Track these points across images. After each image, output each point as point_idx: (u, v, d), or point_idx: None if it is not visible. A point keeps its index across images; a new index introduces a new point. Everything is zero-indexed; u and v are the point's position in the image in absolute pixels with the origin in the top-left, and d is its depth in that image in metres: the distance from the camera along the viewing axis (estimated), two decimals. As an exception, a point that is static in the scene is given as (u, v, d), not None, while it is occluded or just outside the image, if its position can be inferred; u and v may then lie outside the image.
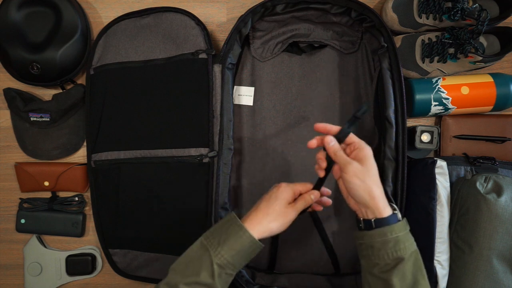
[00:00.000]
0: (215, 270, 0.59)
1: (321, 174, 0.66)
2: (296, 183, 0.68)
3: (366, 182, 0.59)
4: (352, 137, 0.63)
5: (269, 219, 0.63)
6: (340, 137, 0.63)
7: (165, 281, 0.61)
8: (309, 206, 0.68)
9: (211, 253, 0.60)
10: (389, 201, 0.63)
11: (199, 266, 0.60)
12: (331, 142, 0.62)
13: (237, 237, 0.61)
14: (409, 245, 0.59)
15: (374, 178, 0.61)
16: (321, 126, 0.64)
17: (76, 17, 0.82)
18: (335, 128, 0.64)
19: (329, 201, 0.71)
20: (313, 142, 0.64)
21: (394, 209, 0.61)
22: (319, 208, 0.71)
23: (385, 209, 0.60)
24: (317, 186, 0.68)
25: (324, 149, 0.64)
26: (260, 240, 0.62)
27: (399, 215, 0.61)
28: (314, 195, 0.67)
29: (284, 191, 0.66)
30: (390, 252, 0.58)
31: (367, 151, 0.61)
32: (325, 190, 0.70)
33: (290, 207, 0.65)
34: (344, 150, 0.63)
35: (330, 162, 0.64)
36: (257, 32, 0.83)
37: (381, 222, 0.59)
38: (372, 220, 0.60)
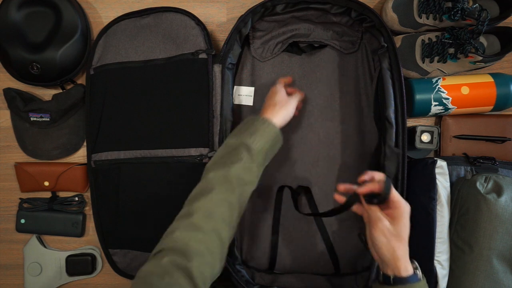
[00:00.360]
0: (254, 154, 0.64)
1: (339, 199, 0.66)
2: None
3: (391, 243, 0.59)
4: (395, 195, 0.61)
5: (278, 109, 0.70)
6: (379, 199, 0.62)
7: (213, 172, 0.62)
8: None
9: (246, 142, 0.64)
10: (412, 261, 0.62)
11: (239, 154, 0.63)
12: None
13: (264, 129, 0.66)
14: None
15: (401, 239, 0.59)
16: (344, 187, 0.66)
17: (76, 17, 0.82)
18: (379, 183, 0.62)
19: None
20: (342, 188, 0.66)
21: (415, 268, 0.60)
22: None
23: (406, 270, 0.59)
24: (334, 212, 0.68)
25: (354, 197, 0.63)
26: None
27: (420, 274, 0.60)
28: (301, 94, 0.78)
29: (279, 87, 0.74)
30: None
31: (403, 211, 0.60)
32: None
33: (289, 97, 0.73)
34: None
35: (351, 201, 0.63)
36: (257, 32, 0.83)
37: (400, 281, 0.59)
38: (391, 276, 0.60)
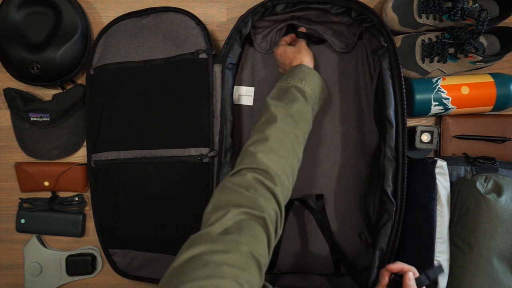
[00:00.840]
0: (307, 96, 0.67)
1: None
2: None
3: None
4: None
5: (308, 59, 0.74)
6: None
7: (274, 106, 0.64)
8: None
9: (298, 86, 0.67)
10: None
11: (293, 94, 0.66)
12: (412, 281, 0.61)
13: (312, 74, 0.70)
14: None
15: None
16: (398, 266, 0.63)
17: (76, 17, 0.82)
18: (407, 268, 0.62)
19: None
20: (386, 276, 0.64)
21: None
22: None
23: None
24: None
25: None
26: None
27: None
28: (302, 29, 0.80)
29: (283, 48, 0.77)
30: None
31: None
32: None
33: (299, 45, 0.76)
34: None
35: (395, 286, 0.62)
36: (257, 29, 0.83)
37: None
38: None
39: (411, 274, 0.61)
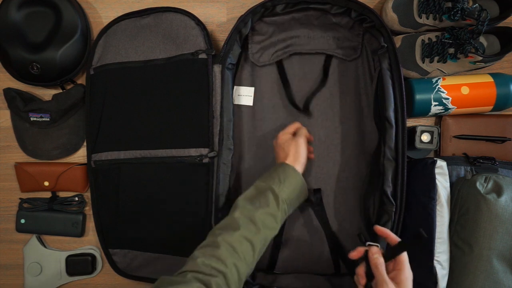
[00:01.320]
0: (280, 203, 0.67)
1: (359, 274, 0.65)
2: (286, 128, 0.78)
3: None
4: (402, 255, 0.61)
5: (296, 158, 0.73)
6: (390, 255, 0.62)
7: (240, 211, 0.65)
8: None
9: (275, 189, 0.67)
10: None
11: (267, 199, 0.66)
12: (376, 254, 0.62)
13: (294, 177, 0.70)
14: None
15: None
16: (381, 230, 0.65)
17: (76, 17, 0.82)
18: (393, 237, 0.63)
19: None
20: (355, 254, 0.65)
21: None
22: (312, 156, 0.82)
23: None
24: None
25: (366, 261, 0.63)
26: None
27: None
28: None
29: (285, 137, 0.76)
30: None
31: (408, 276, 0.60)
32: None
33: (296, 139, 0.74)
34: (388, 265, 0.62)
35: (370, 275, 0.63)
36: (256, 36, 0.83)
37: None
38: None
39: (374, 248, 0.63)
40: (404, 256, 0.61)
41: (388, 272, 0.61)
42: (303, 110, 0.83)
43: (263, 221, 0.65)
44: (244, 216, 0.64)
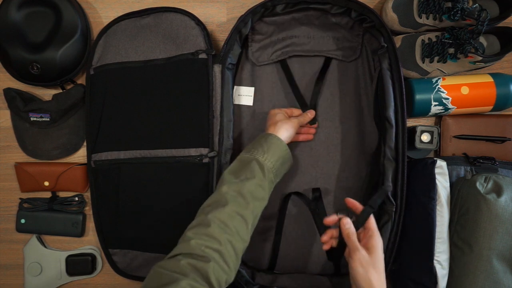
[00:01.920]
0: (266, 172, 0.66)
1: (325, 247, 0.69)
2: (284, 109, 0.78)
3: (368, 273, 0.61)
4: (370, 223, 0.65)
5: (279, 127, 0.72)
6: (360, 222, 0.65)
7: (227, 185, 0.64)
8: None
9: (259, 159, 0.67)
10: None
11: (252, 170, 0.65)
12: (347, 225, 0.65)
13: (277, 145, 0.69)
14: None
15: (379, 271, 0.62)
16: (350, 202, 0.68)
17: (76, 17, 0.82)
18: (361, 207, 0.66)
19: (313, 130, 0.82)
20: (329, 220, 0.68)
21: None
22: (310, 137, 0.82)
23: None
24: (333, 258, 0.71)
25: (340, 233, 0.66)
26: None
27: None
28: (311, 113, 0.80)
29: (277, 109, 0.76)
30: None
31: (377, 241, 0.63)
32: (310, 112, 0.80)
33: (290, 119, 0.75)
34: (359, 233, 0.65)
35: (343, 245, 0.66)
36: (256, 35, 0.83)
37: None
38: None
39: (346, 219, 0.65)
40: (372, 223, 0.65)
41: (359, 241, 0.64)
42: (310, 107, 0.82)
43: (252, 193, 0.64)
44: (231, 190, 0.63)
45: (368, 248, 0.62)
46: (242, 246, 0.62)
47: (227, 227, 0.60)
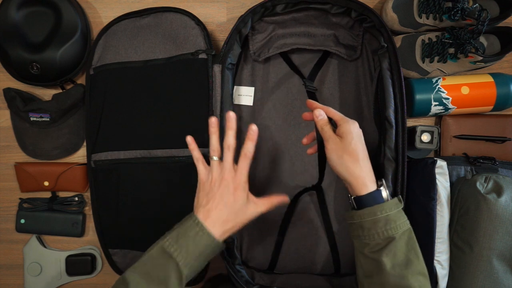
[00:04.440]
0: (183, 279, 0.57)
1: (309, 151, 0.69)
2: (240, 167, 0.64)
3: (343, 158, 0.59)
4: (335, 114, 0.63)
5: (230, 221, 0.61)
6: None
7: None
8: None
9: (179, 265, 0.57)
10: (378, 179, 0.61)
11: (165, 278, 0.56)
12: (320, 116, 0.63)
13: (200, 240, 0.59)
14: (401, 224, 0.58)
15: (354, 155, 0.59)
16: (309, 102, 0.66)
17: (76, 17, 0.82)
18: (321, 106, 0.65)
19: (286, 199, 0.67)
20: (307, 115, 0.67)
21: (379, 186, 0.60)
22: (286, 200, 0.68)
23: (365, 187, 0.58)
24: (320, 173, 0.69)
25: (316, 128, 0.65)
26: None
27: (385, 193, 0.59)
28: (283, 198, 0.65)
29: (243, 192, 0.63)
30: (381, 231, 0.57)
31: (348, 127, 0.61)
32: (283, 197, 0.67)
33: (252, 205, 0.62)
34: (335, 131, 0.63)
35: (320, 138, 0.64)
36: (256, 35, 0.83)
37: (362, 200, 0.58)
38: (352, 197, 0.60)
39: (318, 110, 0.63)
40: (337, 114, 0.63)
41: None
42: (309, 78, 0.82)
43: None
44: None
45: (340, 135, 0.61)
46: None
47: None
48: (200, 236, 0.59)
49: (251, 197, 0.63)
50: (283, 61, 0.84)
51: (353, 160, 0.59)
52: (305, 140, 0.69)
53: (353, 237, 0.62)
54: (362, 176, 0.59)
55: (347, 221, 0.63)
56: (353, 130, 0.61)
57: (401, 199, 0.60)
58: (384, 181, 0.60)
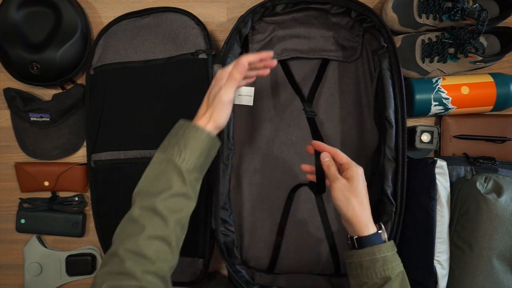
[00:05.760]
0: (185, 176, 0.58)
1: (308, 177, 0.71)
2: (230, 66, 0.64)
3: (350, 200, 0.62)
4: (343, 158, 0.66)
5: (211, 110, 0.62)
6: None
7: (139, 205, 0.58)
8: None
9: (176, 162, 0.58)
10: (376, 222, 0.64)
11: (168, 178, 0.58)
12: (326, 158, 0.66)
13: (196, 138, 0.60)
14: (396, 266, 0.61)
15: (359, 197, 0.62)
16: (316, 144, 0.68)
17: (76, 17, 0.82)
18: (328, 148, 0.67)
19: (273, 62, 0.67)
20: (311, 148, 0.69)
21: (379, 229, 0.63)
22: (266, 72, 0.69)
23: (367, 228, 0.61)
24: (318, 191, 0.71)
25: (316, 158, 0.68)
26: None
27: (384, 236, 0.63)
28: (248, 58, 0.63)
29: (220, 81, 0.63)
30: (379, 271, 0.60)
31: (355, 171, 0.63)
32: (265, 53, 0.66)
33: (228, 88, 0.62)
34: (338, 169, 0.66)
35: (321, 169, 0.67)
36: (256, 35, 0.83)
37: (363, 241, 0.61)
38: (354, 238, 0.62)
39: (324, 153, 0.67)
40: (345, 157, 0.65)
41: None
42: (308, 100, 0.82)
43: (169, 207, 0.57)
44: (145, 211, 0.56)
45: (347, 178, 0.63)
46: (168, 267, 0.57)
47: (144, 257, 0.54)
48: (190, 132, 0.60)
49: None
50: (282, 68, 0.84)
51: (359, 202, 0.62)
52: (304, 167, 0.72)
53: (351, 276, 0.63)
54: (365, 219, 0.62)
55: (345, 260, 0.65)
56: (361, 175, 0.64)
57: (394, 244, 0.64)
58: (382, 225, 0.64)
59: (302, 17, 0.80)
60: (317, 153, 0.68)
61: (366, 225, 0.62)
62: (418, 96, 0.78)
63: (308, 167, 0.71)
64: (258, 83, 0.85)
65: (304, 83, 0.84)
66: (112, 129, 0.83)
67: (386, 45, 0.74)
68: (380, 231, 0.62)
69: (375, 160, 0.78)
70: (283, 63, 0.84)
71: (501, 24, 0.79)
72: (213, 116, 0.62)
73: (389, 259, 0.60)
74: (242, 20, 0.77)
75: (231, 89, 0.62)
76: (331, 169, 0.65)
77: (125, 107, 0.83)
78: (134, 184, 0.82)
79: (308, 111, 0.81)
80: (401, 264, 0.62)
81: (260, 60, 0.66)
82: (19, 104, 0.83)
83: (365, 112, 0.82)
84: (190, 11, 0.81)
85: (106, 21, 0.87)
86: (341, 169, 0.66)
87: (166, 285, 0.55)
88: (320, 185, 0.69)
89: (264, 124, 0.84)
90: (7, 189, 0.91)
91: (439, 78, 0.79)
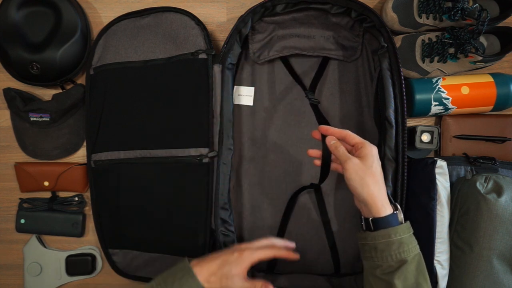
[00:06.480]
0: None
1: (316, 162, 0.69)
2: (259, 250, 0.65)
3: (365, 179, 0.59)
4: (355, 137, 0.64)
5: (217, 274, 0.62)
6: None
7: None
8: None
9: None
10: (392, 202, 0.62)
11: None
12: (332, 140, 0.64)
13: (185, 282, 0.60)
14: (413, 248, 0.59)
15: (375, 176, 0.60)
16: (323, 128, 0.66)
17: (76, 17, 0.82)
18: (337, 131, 0.65)
19: (296, 256, 0.68)
20: (317, 133, 0.68)
21: (395, 209, 0.61)
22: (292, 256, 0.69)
23: (383, 208, 0.59)
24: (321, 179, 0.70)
25: (323, 142, 0.66)
26: None
27: (400, 216, 0.61)
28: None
29: (242, 264, 0.63)
30: (394, 254, 0.58)
31: (369, 149, 0.61)
32: (288, 244, 0.68)
33: (241, 279, 0.63)
34: (350, 151, 0.64)
35: (327, 154, 0.65)
36: (256, 35, 0.83)
37: (379, 222, 0.59)
38: (370, 219, 0.60)
39: (330, 136, 0.65)
40: (356, 137, 0.64)
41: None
42: (310, 89, 0.82)
43: None
44: None
45: (361, 157, 0.61)
46: None
47: None
48: (186, 279, 0.60)
49: (245, 275, 0.64)
50: (283, 64, 0.84)
51: (375, 181, 0.60)
52: (311, 152, 0.70)
53: (365, 258, 0.62)
54: (381, 198, 0.60)
55: (359, 241, 0.63)
56: (375, 153, 0.62)
57: (410, 225, 0.61)
58: (398, 205, 0.61)
59: (302, 17, 0.80)
60: (324, 138, 0.66)
61: (382, 205, 0.59)
62: (418, 96, 0.78)
63: (315, 152, 0.69)
64: (258, 82, 0.85)
65: (304, 79, 0.84)
66: (112, 129, 0.84)
67: (386, 45, 0.74)
68: (396, 211, 0.60)
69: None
70: (284, 61, 0.84)
71: (501, 24, 0.79)
72: (216, 282, 0.62)
73: (405, 241, 0.58)
74: (242, 20, 0.77)
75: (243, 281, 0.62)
76: (339, 150, 0.62)
77: (125, 107, 0.83)
78: (134, 184, 0.82)
79: (311, 98, 0.80)
80: (417, 246, 0.60)
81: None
82: (19, 104, 0.83)
83: (365, 112, 0.82)
84: (190, 11, 0.81)
85: (106, 21, 0.87)
86: (353, 149, 0.63)
87: None
88: (323, 171, 0.66)
89: (264, 124, 0.84)
90: (7, 189, 0.91)
91: (439, 78, 0.79)
